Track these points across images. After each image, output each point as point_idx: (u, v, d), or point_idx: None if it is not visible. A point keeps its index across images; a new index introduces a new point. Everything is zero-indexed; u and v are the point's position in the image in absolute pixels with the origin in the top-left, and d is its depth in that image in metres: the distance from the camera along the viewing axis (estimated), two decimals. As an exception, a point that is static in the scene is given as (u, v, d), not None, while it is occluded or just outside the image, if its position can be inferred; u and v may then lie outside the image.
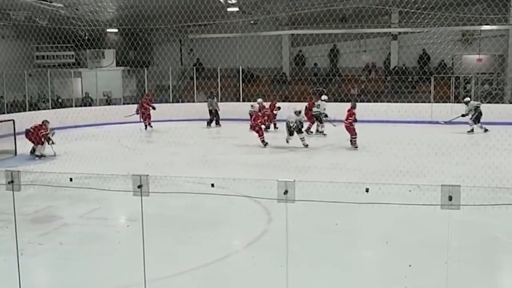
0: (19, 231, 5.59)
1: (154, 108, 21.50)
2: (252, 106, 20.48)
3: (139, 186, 5.21)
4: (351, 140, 15.95)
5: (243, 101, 23.82)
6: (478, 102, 19.36)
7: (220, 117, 22.09)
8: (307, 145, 16.04)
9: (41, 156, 15.07)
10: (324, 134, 18.50)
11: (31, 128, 15.18)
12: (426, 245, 7.66)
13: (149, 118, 21.34)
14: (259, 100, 20.89)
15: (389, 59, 25.90)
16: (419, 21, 20.69)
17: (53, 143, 15.15)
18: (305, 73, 26.35)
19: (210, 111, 22.10)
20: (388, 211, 7.79)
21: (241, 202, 8.79)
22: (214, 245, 7.96)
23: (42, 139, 15.07)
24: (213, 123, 22.02)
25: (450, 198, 4.48)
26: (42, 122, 15.46)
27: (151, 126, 21.28)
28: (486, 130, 18.40)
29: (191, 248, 7.85)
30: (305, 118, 16.49)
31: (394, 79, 23.97)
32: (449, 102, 22.49)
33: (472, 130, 18.70)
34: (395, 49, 25.78)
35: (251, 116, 20.45)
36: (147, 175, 5.27)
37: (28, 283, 5.72)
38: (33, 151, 15.13)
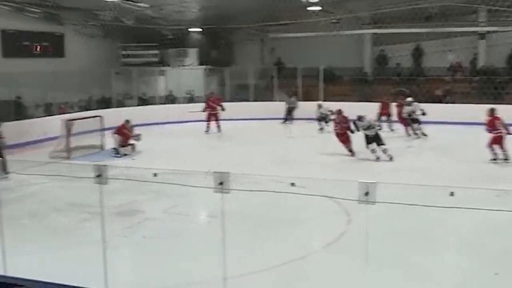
0: (105, 223, 5.78)
1: (223, 109, 20.35)
2: (320, 106, 20.26)
3: (220, 183, 5.28)
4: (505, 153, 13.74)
5: (324, 100, 23.64)
6: None
7: (299, 117, 22.17)
8: (390, 157, 14.14)
9: (124, 155, 15.48)
10: (425, 135, 17.80)
11: (116, 130, 15.80)
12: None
13: (217, 119, 20.13)
14: (320, 102, 20.72)
15: (476, 59, 24.95)
16: (509, 19, 19.85)
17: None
18: (387, 73, 25.80)
19: (289, 109, 22.30)
20: (473, 216, 7.51)
21: (321, 202, 8.73)
22: (293, 244, 7.96)
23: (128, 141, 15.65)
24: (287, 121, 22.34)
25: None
26: (125, 122, 16.00)
27: (219, 130, 20.04)
28: None
29: (270, 245, 7.89)
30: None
31: (482, 80, 23.09)
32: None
33: None
34: (483, 49, 24.78)
35: (319, 119, 19.96)
36: (228, 173, 5.33)
37: (112, 273, 5.91)
38: (115, 150, 15.66)
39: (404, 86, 23.82)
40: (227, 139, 19.20)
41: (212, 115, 20.16)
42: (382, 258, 6.86)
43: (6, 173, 13.14)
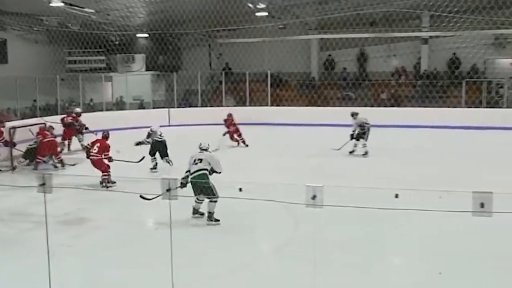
0: (50, 233, 5.65)
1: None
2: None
3: (168, 190, 5.23)
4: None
5: (272, 105, 23.83)
6: None
7: (248, 122, 22.07)
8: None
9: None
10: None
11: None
12: (457, 252, 7.53)
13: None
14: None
15: (419, 63, 25.59)
16: (451, 25, 20.42)
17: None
18: (334, 78, 26.16)
19: None
20: (418, 218, 7.68)
21: (269, 207, 8.73)
22: (242, 251, 7.95)
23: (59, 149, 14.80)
24: None
25: (482, 205, 4.40)
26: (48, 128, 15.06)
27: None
28: None
29: (218, 253, 7.85)
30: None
31: (425, 84, 23.72)
32: (481, 107, 22.22)
33: None
34: (426, 53, 25.44)
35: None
36: (176, 179, 5.29)
37: (58, 283, 5.78)
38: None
39: (350, 90, 24.26)
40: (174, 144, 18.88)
41: None
42: (330, 261, 6.93)
43: None
